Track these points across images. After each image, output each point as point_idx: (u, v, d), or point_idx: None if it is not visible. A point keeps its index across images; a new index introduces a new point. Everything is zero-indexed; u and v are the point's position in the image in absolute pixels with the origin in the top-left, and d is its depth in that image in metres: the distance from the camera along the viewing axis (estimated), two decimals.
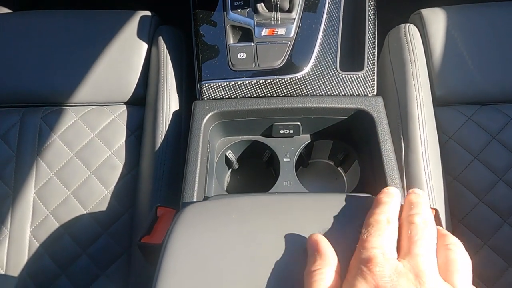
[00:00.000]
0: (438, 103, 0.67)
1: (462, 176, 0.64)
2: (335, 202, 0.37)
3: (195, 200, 0.48)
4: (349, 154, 0.60)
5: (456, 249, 0.28)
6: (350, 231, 0.32)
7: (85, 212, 0.66)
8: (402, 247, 0.28)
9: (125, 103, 0.71)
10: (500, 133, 0.65)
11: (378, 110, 0.53)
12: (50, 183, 0.67)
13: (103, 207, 0.65)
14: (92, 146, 0.68)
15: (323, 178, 0.64)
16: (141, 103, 0.71)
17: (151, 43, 0.72)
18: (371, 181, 0.54)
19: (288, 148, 0.58)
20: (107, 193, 0.66)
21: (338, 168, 0.64)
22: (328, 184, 0.64)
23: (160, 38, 0.70)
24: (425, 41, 0.69)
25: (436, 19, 0.70)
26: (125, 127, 0.69)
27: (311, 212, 0.36)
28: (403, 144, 0.59)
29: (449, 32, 0.69)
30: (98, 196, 0.66)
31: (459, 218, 0.63)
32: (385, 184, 0.48)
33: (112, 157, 0.68)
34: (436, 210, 0.46)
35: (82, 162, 0.67)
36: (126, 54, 0.71)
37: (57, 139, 0.69)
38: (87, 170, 0.67)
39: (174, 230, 0.37)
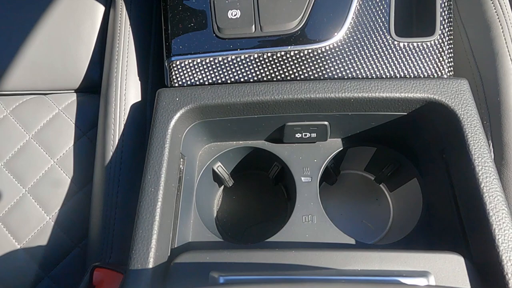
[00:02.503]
0: None
1: None
2: None
3: (150, 265, 0.28)
4: (402, 168, 0.42)
5: None
6: None
7: (18, 247, 0.50)
8: None
9: (75, 91, 0.56)
10: None
11: (464, 102, 0.33)
12: None
13: (44, 239, 0.49)
14: (27, 152, 0.52)
15: (357, 198, 0.49)
16: (96, 90, 0.54)
17: (109, 3, 0.55)
18: (446, 213, 0.34)
19: (308, 161, 0.41)
20: (49, 220, 0.50)
21: (381, 185, 0.45)
22: (364, 208, 0.48)
23: None
24: None
25: None
26: (73, 124, 0.53)
27: None
28: (493, 154, 0.37)
29: None
30: (37, 224, 0.50)
31: None
32: (487, 232, 0.28)
33: (55, 168, 0.51)
34: None
35: (13, 175, 0.51)
36: (75, 20, 0.55)
37: None
38: (20, 187, 0.51)
39: None
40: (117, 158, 0.42)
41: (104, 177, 0.43)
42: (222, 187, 0.47)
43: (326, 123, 0.38)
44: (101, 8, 0.54)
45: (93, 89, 0.54)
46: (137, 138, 0.44)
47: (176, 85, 0.38)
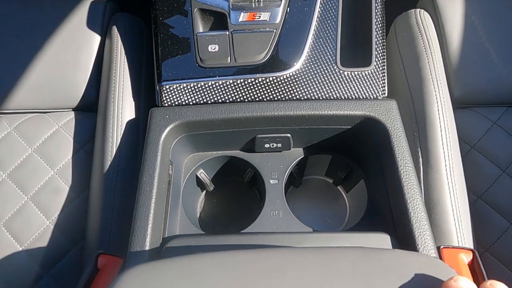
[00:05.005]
0: (457, 105, 0.56)
1: (488, 194, 0.53)
2: (347, 262, 0.25)
3: (147, 247, 0.35)
4: (353, 171, 0.49)
5: None
6: None
7: (20, 249, 0.53)
8: None
9: (73, 109, 0.60)
10: None
11: (392, 118, 0.41)
12: None
13: (44, 242, 0.53)
14: (29, 164, 0.56)
15: (319, 199, 0.54)
16: (92, 109, 0.59)
17: (105, 33, 0.60)
18: (383, 206, 0.42)
19: (275, 166, 0.47)
20: (49, 224, 0.54)
21: (338, 187, 0.53)
22: (326, 207, 0.53)
23: (115, 28, 0.57)
24: (439, 28, 0.58)
25: (452, 3, 0.58)
26: (72, 139, 0.57)
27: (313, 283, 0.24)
28: (421, 159, 0.47)
29: (468, 18, 0.57)
30: (38, 228, 0.54)
31: (485, 246, 0.52)
32: (406, 219, 0.36)
33: (55, 178, 0.56)
34: (474, 253, 0.35)
35: (16, 185, 0.55)
36: (74, 48, 0.59)
37: None
38: (22, 195, 0.55)
39: None
40: (114, 166, 0.48)
41: (102, 183, 0.49)
42: (205, 191, 0.53)
43: (288, 135, 0.45)
44: (97, 38, 0.59)
45: (89, 108, 0.59)
46: (131, 149, 0.50)
47: (166, 105, 0.45)
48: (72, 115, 0.58)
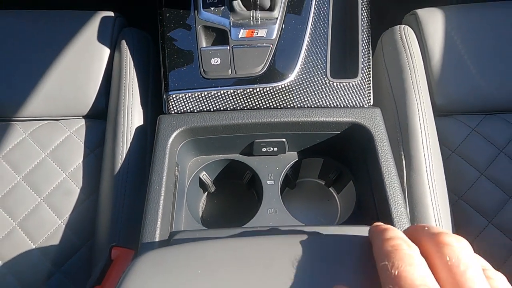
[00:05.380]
0: (439, 113, 0.60)
1: (468, 195, 0.57)
2: (326, 248, 0.29)
3: (157, 239, 0.39)
4: (343, 174, 0.53)
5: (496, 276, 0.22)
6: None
7: (33, 247, 0.56)
8: (441, 278, 0.21)
9: (83, 117, 0.63)
10: (508, 145, 0.59)
11: (376, 124, 0.45)
12: None
13: (56, 240, 0.56)
14: (43, 167, 0.59)
15: (313, 200, 0.57)
16: (102, 116, 0.62)
17: (114, 47, 0.64)
18: (369, 205, 0.46)
19: (272, 169, 0.51)
20: (61, 223, 0.57)
21: (330, 188, 0.57)
22: (319, 207, 0.56)
23: (124, 42, 0.61)
24: (422, 43, 0.62)
25: (433, 20, 0.64)
26: (83, 144, 0.60)
27: (295, 262, 0.28)
28: (404, 162, 0.51)
29: (447, 34, 0.62)
30: (50, 227, 0.57)
31: None
32: (388, 212, 0.40)
33: (67, 180, 0.59)
34: None
35: (30, 187, 0.59)
36: (85, 60, 0.63)
37: (1, 160, 0.59)
38: (36, 196, 0.58)
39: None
40: (124, 168, 0.52)
41: (113, 184, 0.53)
42: (206, 192, 0.55)
43: (284, 140, 0.48)
44: (107, 51, 0.63)
45: (99, 115, 0.62)
46: (139, 153, 0.54)
47: (172, 112, 0.48)
48: (82, 122, 0.62)
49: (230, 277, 0.27)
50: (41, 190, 0.58)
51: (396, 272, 0.21)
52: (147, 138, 0.55)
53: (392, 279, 0.21)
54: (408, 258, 0.22)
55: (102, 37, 0.64)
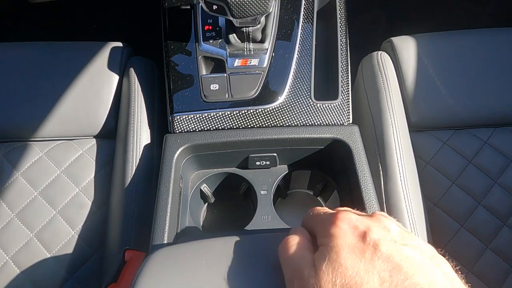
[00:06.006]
0: (414, 128, 0.67)
1: (442, 202, 0.64)
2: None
3: (165, 241, 0.45)
4: (328, 184, 0.59)
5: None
6: None
7: (49, 255, 0.61)
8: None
9: (94, 137, 0.69)
10: (476, 157, 0.66)
11: (354, 139, 0.52)
12: (10, 225, 0.62)
13: (70, 249, 0.61)
14: (58, 183, 0.65)
15: (302, 208, 0.63)
16: (111, 136, 0.68)
17: (123, 74, 0.71)
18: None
19: (265, 180, 0.56)
20: (74, 234, 0.62)
21: (318, 198, 0.63)
22: None
23: (132, 69, 0.68)
24: (397, 68, 0.70)
25: (407, 47, 0.72)
26: (94, 162, 0.66)
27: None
28: (381, 172, 0.58)
29: (419, 59, 0.70)
30: (64, 237, 0.62)
31: (441, 246, 0.62)
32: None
33: (80, 194, 0.64)
34: None
35: (46, 201, 0.64)
36: (96, 86, 0.70)
37: (20, 177, 0.65)
38: (52, 209, 0.63)
39: (139, 280, 0.34)
40: (134, 182, 0.58)
41: (123, 196, 0.58)
42: (207, 203, 0.60)
43: (275, 154, 0.53)
44: (116, 77, 0.69)
45: (109, 135, 0.68)
46: (147, 168, 0.60)
47: (177, 131, 0.54)
48: (94, 141, 0.68)
49: (231, 265, 0.33)
50: (56, 203, 0.63)
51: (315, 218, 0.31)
52: (153, 155, 0.62)
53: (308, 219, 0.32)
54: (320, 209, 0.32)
55: (112, 65, 0.71)
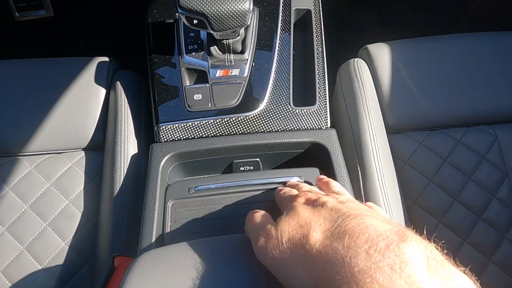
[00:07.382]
0: (391, 130, 0.71)
1: (420, 200, 0.66)
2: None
3: (153, 246, 0.47)
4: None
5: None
6: None
7: (40, 267, 0.62)
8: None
9: (83, 149, 0.70)
10: (450, 155, 0.69)
11: (332, 142, 0.55)
12: (1, 239, 0.63)
13: (60, 260, 0.62)
14: (48, 196, 0.66)
15: None
16: (100, 148, 0.70)
17: (109, 87, 0.72)
18: None
19: None
20: (65, 245, 0.63)
21: None
22: None
23: (118, 83, 0.70)
24: (374, 73, 0.74)
25: (382, 53, 0.75)
26: (83, 174, 0.68)
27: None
28: (360, 173, 0.60)
29: (394, 65, 0.74)
30: (55, 249, 0.63)
31: None
32: None
33: (69, 206, 0.66)
34: None
35: (36, 213, 0.65)
36: (84, 100, 0.71)
37: (10, 191, 0.66)
38: (42, 222, 0.64)
39: (127, 281, 0.36)
40: (122, 191, 0.60)
41: (112, 206, 0.60)
42: None
43: (258, 159, 0.56)
44: (103, 91, 0.71)
45: (96, 148, 0.69)
46: (135, 177, 0.62)
47: (163, 140, 0.56)
48: (82, 154, 0.69)
49: (216, 265, 0.35)
50: (47, 216, 0.64)
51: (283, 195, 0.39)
52: (140, 164, 0.64)
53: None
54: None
55: (98, 79, 0.73)
